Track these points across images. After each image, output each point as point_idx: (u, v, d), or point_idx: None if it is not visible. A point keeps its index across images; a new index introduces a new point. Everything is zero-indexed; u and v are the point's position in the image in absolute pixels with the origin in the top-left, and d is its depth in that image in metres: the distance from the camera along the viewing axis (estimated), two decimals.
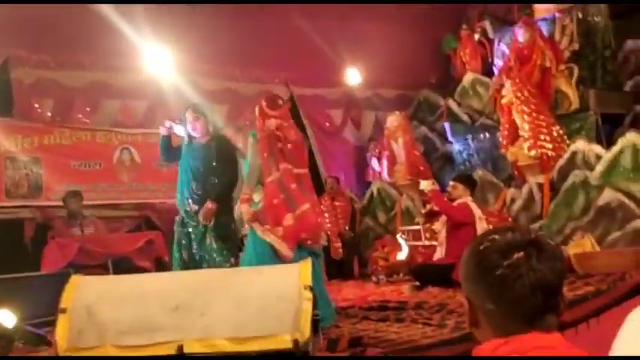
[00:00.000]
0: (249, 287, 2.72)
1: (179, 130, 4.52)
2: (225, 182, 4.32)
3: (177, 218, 4.54)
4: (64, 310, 2.60)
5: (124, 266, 5.48)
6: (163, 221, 7.20)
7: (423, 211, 6.53)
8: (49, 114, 7.20)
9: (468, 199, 5.42)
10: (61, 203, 6.27)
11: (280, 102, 4.08)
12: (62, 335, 2.56)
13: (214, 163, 4.31)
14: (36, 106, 7.14)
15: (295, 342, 2.49)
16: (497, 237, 1.13)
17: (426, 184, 5.67)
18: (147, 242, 5.94)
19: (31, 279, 4.73)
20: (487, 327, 1.13)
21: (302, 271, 2.76)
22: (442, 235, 5.61)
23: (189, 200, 4.35)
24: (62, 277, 3.10)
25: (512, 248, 1.10)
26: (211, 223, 4.26)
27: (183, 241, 4.39)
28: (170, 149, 4.62)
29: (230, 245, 4.39)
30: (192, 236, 4.34)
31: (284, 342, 2.50)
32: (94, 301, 2.64)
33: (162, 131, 4.59)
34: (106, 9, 6.41)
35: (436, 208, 5.78)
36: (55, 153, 6.92)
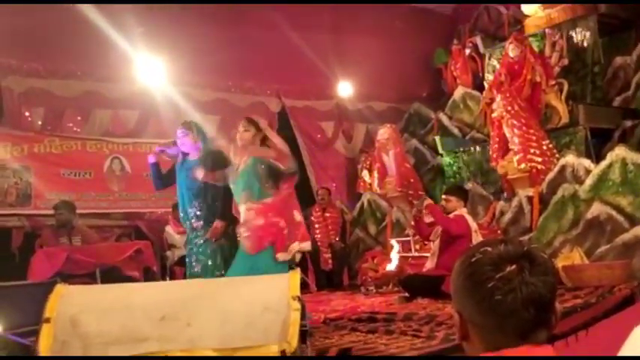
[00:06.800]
0: (236, 298, 2.70)
1: (172, 150, 4.55)
2: (226, 197, 4.28)
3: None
4: (47, 320, 2.56)
5: (112, 276, 5.44)
6: (153, 231, 7.19)
7: (413, 223, 6.52)
8: (40, 123, 7.17)
9: (463, 211, 5.41)
10: (49, 212, 6.21)
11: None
12: (45, 346, 2.51)
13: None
14: (26, 114, 7.11)
15: (283, 353, 2.47)
16: (489, 249, 1.10)
17: (420, 202, 5.74)
18: (136, 252, 5.89)
19: (18, 288, 4.67)
20: (477, 341, 1.11)
21: (291, 282, 2.75)
22: (435, 245, 5.59)
23: (194, 219, 4.37)
24: (49, 287, 3.05)
25: (505, 261, 1.07)
26: (220, 240, 4.31)
27: (192, 257, 4.41)
28: (161, 176, 4.65)
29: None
30: (200, 250, 4.36)
31: (271, 353, 2.48)
32: (79, 311, 2.60)
33: (150, 159, 4.62)
34: (99, 19, 6.41)
35: (429, 220, 5.78)
36: (45, 162, 6.87)
